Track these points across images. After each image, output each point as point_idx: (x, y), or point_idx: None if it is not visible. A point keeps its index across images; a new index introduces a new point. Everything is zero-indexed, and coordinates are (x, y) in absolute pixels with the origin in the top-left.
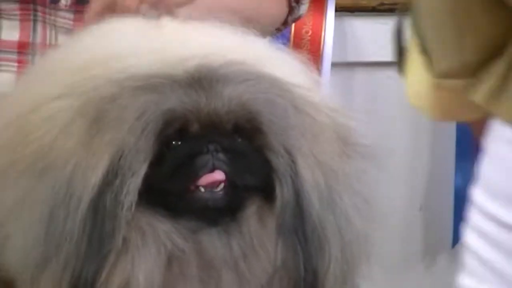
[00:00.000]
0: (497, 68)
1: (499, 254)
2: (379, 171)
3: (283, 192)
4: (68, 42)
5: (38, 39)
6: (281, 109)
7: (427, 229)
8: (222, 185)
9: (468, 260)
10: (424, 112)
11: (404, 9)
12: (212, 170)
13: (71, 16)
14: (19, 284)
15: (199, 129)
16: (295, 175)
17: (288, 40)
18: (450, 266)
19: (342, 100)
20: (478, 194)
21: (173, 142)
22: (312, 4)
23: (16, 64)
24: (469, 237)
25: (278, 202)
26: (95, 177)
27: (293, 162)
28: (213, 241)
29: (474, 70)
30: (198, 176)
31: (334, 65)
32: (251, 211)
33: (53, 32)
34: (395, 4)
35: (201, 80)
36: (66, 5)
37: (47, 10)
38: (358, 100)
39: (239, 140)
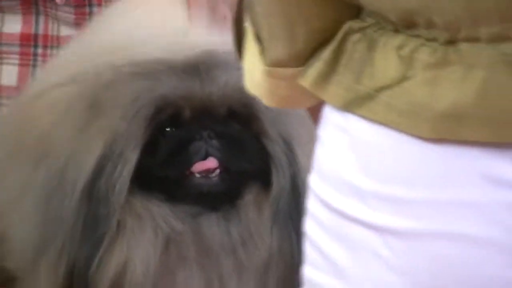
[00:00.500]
0: (324, 54)
1: (332, 240)
2: None
3: (279, 179)
4: (78, 34)
5: (41, 31)
6: None
7: None
8: (217, 171)
9: (307, 249)
10: (261, 99)
11: None
12: (205, 157)
13: (71, 10)
14: (19, 273)
15: (192, 115)
16: (291, 163)
17: None
18: None
19: None
20: (312, 180)
21: (167, 129)
22: None
23: (18, 56)
24: (307, 224)
25: (274, 189)
26: (89, 162)
27: (289, 150)
28: (212, 226)
29: (304, 59)
30: (191, 163)
31: None
32: (249, 198)
33: (56, 24)
34: None
35: (199, 66)
36: (61, 1)
37: (48, 4)
38: None
39: (235, 126)
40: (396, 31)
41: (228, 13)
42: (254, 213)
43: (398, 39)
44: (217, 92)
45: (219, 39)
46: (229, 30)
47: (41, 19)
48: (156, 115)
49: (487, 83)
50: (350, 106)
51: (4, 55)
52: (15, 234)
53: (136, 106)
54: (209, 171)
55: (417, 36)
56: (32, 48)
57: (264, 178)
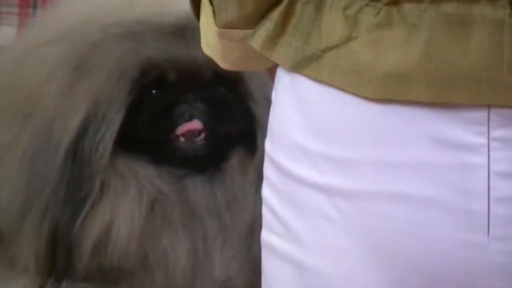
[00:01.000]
0: (273, 15)
1: (285, 204)
2: None
3: (263, 142)
4: None
5: None
6: None
7: None
8: (202, 135)
9: (264, 213)
10: (216, 61)
11: None
12: (190, 119)
13: None
14: (4, 233)
15: (177, 78)
16: None
17: None
18: None
19: None
20: (267, 145)
21: (152, 91)
22: None
23: (17, 17)
24: (264, 189)
25: (259, 152)
26: (73, 123)
27: None
28: (197, 188)
29: (255, 21)
30: (176, 126)
31: None
32: (235, 161)
33: None
34: None
35: (186, 29)
36: None
37: None
38: None
39: (220, 89)
40: None
41: None
42: (239, 176)
43: (344, 0)
44: (203, 55)
45: None
46: None
47: None
48: (141, 78)
49: (430, 44)
50: (298, 67)
51: (3, 16)
52: (1, 194)
53: (121, 68)
54: (194, 134)
55: None
56: (31, 9)
57: (249, 141)
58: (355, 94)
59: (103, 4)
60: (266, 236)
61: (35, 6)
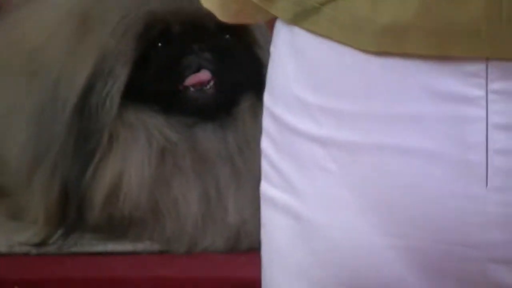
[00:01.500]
0: None
1: (284, 156)
2: None
3: None
4: None
5: None
6: None
7: None
8: (211, 84)
9: (263, 165)
10: (215, 13)
11: None
12: (198, 69)
13: None
14: (13, 188)
15: (182, 30)
16: None
17: None
18: None
19: None
20: (266, 97)
21: (159, 44)
22: None
23: None
24: (263, 141)
25: None
26: (80, 80)
27: None
28: (207, 135)
29: None
30: (184, 77)
31: None
32: (245, 106)
33: None
34: None
35: None
36: None
37: None
38: None
39: (226, 38)
40: None
41: None
42: (250, 119)
43: None
44: None
45: None
46: None
47: None
48: (146, 32)
49: None
50: (296, 20)
51: None
52: (9, 148)
53: (125, 23)
54: (202, 84)
55: None
56: None
57: (258, 88)
58: (353, 47)
59: None
60: (264, 187)
61: None
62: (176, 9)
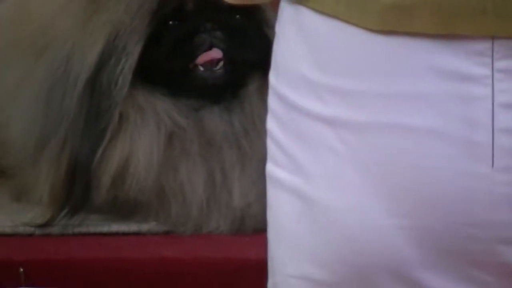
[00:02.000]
0: None
1: (290, 136)
2: None
3: None
4: None
5: None
6: None
7: None
8: (221, 63)
9: (269, 145)
10: None
11: None
12: (209, 48)
13: None
14: (18, 168)
15: (195, 7)
16: None
17: None
18: None
19: None
20: (271, 77)
21: (170, 22)
22: None
23: None
24: (268, 121)
25: None
26: (92, 56)
27: None
28: (214, 118)
29: None
30: (196, 55)
31: None
32: (253, 87)
33: None
34: None
35: None
36: None
37: None
38: None
39: (238, 16)
40: None
41: None
42: (257, 101)
43: None
44: None
45: None
46: None
47: None
48: (160, 9)
49: None
50: None
51: None
52: (15, 126)
53: (139, 0)
54: (213, 63)
55: None
56: None
57: (266, 68)
58: (358, 25)
59: None
60: (271, 168)
61: None
62: None
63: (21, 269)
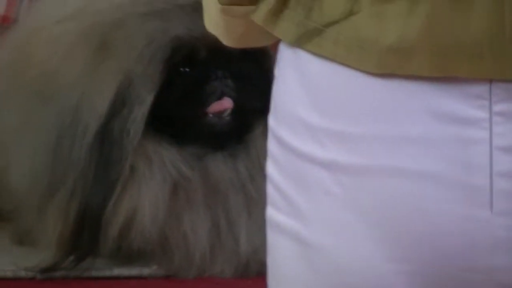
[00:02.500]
0: None
1: (289, 180)
2: None
3: None
4: None
5: None
6: None
7: None
8: (228, 111)
9: (268, 189)
10: (220, 38)
11: None
12: (220, 97)
13: None
14: (20, 212)
15: (207, 55)
16: None
17: None
18: None
19: None
20: (270, 119)
21: (181, 69)
22: None
23: None
24: (268, 165)
25: None
26: (103, 105)
27: None
28: (219, 165)
29: None
30: (207, 103)
31: None
32: (259, 131)
33: None
34: None
35: None
36: None
37: None
38: None
39: (248, 64)
40: None
41: None
42: (263, 145)
43: None
44: None
45: None
46: None
47: None
48: (172, 57)
49: (431, 16)
50: (300, 41)
51: None
52: (17, 171)
53: (152, 48)
54: (224, 111)
55: None
56: None
57: None
58: (357, 68)
59: None
60: (270, 212)
61: None
62: (201, 34)
63: None
